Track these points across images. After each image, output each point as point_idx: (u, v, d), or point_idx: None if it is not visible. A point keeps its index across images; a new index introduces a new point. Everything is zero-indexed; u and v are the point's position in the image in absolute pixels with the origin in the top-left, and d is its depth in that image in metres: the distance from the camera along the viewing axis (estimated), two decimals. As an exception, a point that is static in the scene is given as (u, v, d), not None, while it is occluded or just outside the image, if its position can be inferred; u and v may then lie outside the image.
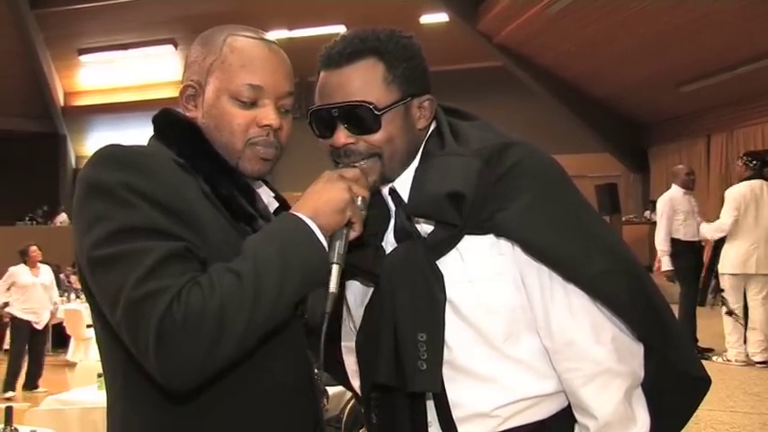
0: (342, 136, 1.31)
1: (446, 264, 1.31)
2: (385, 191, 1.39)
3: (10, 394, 7.92)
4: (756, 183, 6.61)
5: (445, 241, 1.30)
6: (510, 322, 1.32)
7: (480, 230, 1.29)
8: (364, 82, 1.30)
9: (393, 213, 1.38)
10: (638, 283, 1.31)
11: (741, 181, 6.73)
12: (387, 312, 1.32)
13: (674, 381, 1.36)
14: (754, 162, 6.77)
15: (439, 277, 1.30)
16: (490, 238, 1.29)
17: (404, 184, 1.36)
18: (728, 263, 6.57)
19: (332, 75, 1.32)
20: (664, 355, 1.34)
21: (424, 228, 1.33)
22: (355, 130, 1.31)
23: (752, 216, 6.50)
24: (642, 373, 1.33)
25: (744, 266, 6.49)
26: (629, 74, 12.68)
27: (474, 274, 1.30)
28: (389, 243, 1.37)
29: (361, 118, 1.30)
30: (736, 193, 6.61)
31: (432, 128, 1.40)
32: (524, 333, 1.33)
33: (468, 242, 1.30)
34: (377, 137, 1.31)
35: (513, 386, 1.32)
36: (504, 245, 1.29)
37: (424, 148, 1.38)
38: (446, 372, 1.31)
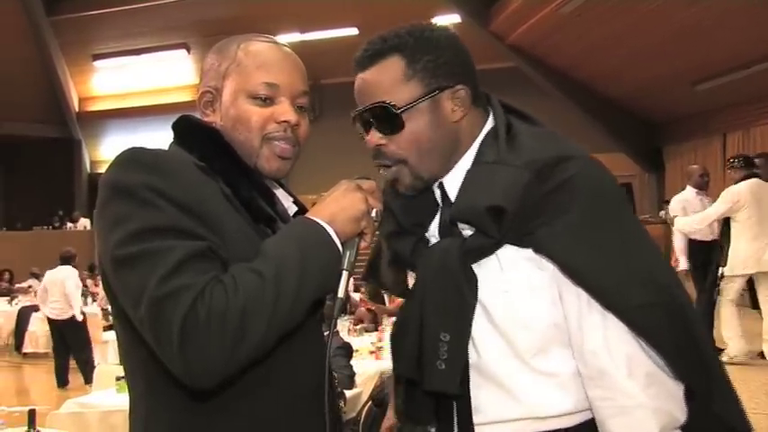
0: (374, 137, 1.34)
1: (484, 270, 1.29)
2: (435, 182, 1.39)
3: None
4: (753, 182, 6.57)
5: (484, 247, 1.28)
6: (542, 338, 1.28)
7: (521, 243, 1.26)
8: (384, 82, 1.32)
9: (440, 208, 1.38)
10: (680, 320, 1.23)
11: (737, 183, 6.69)
12: (416, 307, 1.33)
13: (713, 430, 1.27)
14: (739, 160, 6.78)
15: (472, 281, 1.28)
16: (531, 251, 1.26)
17: (453, 182, 1.35)
18: (739, 264, 6.52)
19: (360, 78, 1.35)
20: (706, 401, 1.25)
21: (467, 231, 1.32)
22: (383, 131, 1.33)
23: (755, 215, 6.45)
24: (682, 417, 1.24)
25: (757, 265, 6.45)
26: (642, 73, 12.61)
27: (511, 284, 1.28)
28: (433, 235, 1.38)
29: (383, 119, 1.32)
30: (734, 190, 6.57)
31: (489, 126, 1.38)
32: (556, 349, 1.29)
33: (509, 251, 1.27)
34: (404, 137, 1.32)
35: (538, 401, 1.29)
36: (546, 261, 1.25)
37: (479, 149, 1.35)
38: (473, 377, 1.31)
